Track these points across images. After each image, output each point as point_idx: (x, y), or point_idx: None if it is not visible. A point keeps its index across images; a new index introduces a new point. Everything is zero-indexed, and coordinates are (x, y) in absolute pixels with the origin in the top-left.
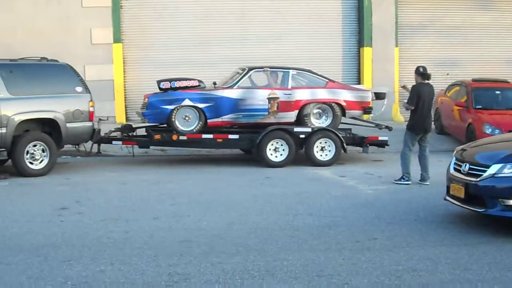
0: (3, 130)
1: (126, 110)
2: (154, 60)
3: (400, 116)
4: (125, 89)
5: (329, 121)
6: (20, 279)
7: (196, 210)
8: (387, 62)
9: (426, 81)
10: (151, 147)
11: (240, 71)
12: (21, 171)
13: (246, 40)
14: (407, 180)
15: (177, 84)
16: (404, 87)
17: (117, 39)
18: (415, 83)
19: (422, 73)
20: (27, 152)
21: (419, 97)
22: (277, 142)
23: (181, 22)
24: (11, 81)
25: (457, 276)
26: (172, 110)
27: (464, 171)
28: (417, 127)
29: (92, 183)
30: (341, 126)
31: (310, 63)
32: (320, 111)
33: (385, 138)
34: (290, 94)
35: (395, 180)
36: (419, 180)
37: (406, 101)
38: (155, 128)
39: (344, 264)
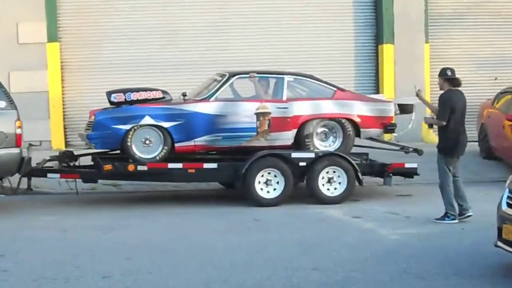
0: None
1: (65, 131)
2: (103, 64)
3: (433, 135)
4: (63, 104)
5: (338, 143)
6: None
7: (161, 265)
8: (414, 63)
9: (455, 88)
10: (99, 181)
11: (219, 78)
12: None
13: (226, 35)
14: (453, 218)
15: (133, 96)
16: (418, 94)
17: (53, 36)
18: (443, 91)
19: (451, 78)
20: None
21: (453, 109)
22: (269, 173)
23: (139, 12)
24: None
25: None
26: (128, 131)
27: None
28: (453, 147)
29: (21, 231)
30: (354, 149)
31: (311, 66)
32: (327, 130)
33: (414, 165)
34: (285, 108)
35: (437, 219)
36: (459, 216)
37: (429, 115)
38: (104, 156)
39: None
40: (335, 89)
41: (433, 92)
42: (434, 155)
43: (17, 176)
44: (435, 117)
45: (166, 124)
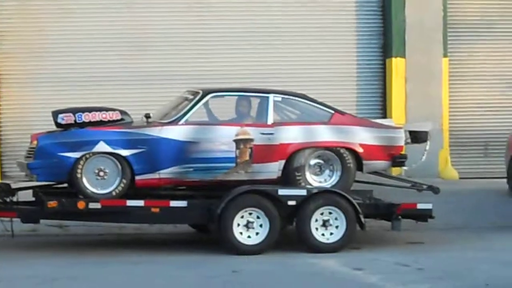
0: None
1: (0, 159)
2: (49, 78)
3: (452, 170)
4: None
5: (335, 178)
6: None
7: None
8: (430, 81)
9: None
10: (42, 221)
11: (190, 96)
12: None
13: (201, 44)
14: None
15: (85, 117)
16: None
17: None
18: None
19: None
20: None
21: None
22: (250, 213)
23: (95, 14)
24: None
25: None
26: (78, 160)
27: None
28: None
29: None
30: (355, 186)
31: (304, 84)
32: (322, 161)
33: (428, 206)
34: (271, 134)
35: None
36: None
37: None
38: (49, 190)
39: None
40: (332, 111)
41: (452, 116)
42: (453, 194)
43: None
44: None
45: (124, 152)
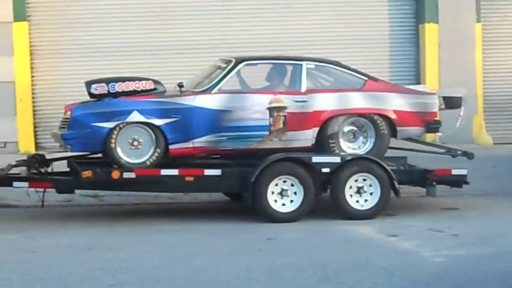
0: None
1: (35, 130)
2: (81, 49)
3: (487, 135)
4: (33, 97)
5: (369, 145)
6: None
7: None
8: (463, 46)
9: None
10: (77, 191)
11: (223, 65)
12: None
13: (232, 13)
14: None
15: (118, 87)
16: None
17: (20, 15)
18: None
19: None
20: None
21: None
22: (284, 181)
23: None
24: None
25: None
26: (111, 130)
27: None
28: None
29: None
30: (389, 153)
31: (336, 51)
32: (355, 128)
33: (463, 172)
34: (305, 101)
35: None
36: None
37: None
38: (83, 160)
39: None
40: (365, 78)
41: (486, 82)
42: (487, 160)
43: None
44: None
45: (158, 122)
